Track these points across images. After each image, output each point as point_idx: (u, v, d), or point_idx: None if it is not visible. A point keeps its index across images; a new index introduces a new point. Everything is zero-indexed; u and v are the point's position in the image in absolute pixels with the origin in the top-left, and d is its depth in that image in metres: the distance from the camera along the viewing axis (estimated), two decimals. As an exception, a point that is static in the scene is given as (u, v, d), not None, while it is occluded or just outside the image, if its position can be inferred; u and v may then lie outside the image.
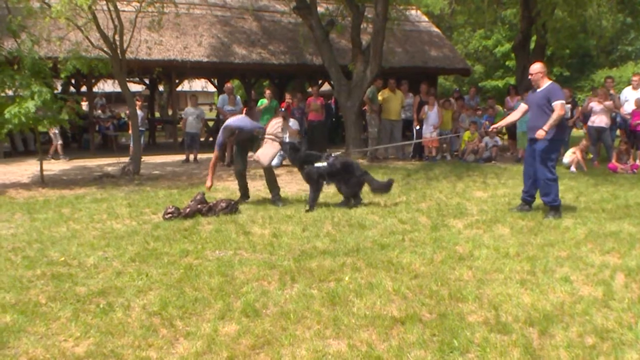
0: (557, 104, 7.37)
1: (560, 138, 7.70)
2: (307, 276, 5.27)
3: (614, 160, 12.46)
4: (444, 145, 15.08)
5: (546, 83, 7.64)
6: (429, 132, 14.27)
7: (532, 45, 20.79)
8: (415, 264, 5.57)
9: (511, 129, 15.41)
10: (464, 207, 8.38)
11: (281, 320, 4.26)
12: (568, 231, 6.88)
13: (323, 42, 15.56)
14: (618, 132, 14.11)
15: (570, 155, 12.49)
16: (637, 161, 12.97)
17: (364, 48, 15.62)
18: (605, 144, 13.46)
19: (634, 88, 13.16)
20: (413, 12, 23.18)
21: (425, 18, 24.02)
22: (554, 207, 7.63)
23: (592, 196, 9.15)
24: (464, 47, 35.43)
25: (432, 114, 14.24)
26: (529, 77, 7.81)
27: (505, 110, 16.25)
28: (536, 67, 7.72)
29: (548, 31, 19.28)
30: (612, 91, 13.91)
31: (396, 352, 3.73)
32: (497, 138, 15.11)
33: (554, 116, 7.34)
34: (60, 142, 15.80)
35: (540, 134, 7.39)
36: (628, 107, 13.09)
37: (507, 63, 34.57)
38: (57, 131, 15.47)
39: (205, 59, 17.32)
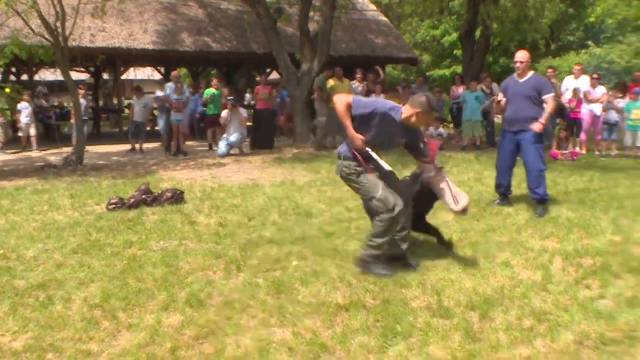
0: (550, 97, 7.20)
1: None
2: (253, 265, 5.27)
3: (554, 148, 12.78)
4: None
5: (530, 73, 7.38)
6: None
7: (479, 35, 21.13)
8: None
9: (456, 117, 15.66)
10: (410, 195, 8.47)
11: (226, 309, 4.25)
12: (509, 217, 7.04)
13: (270, 31, 15.47)
14: (558, 120, 14.47)
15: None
16: (577, 148, 13.36)
17: (312, 36, 15.60)
18: (545, 131, 13.77)
19: (575, 77, 13.54)
20: (361, 0, 23.24)
21: (373, 7, 24.11)
22: (544, 202, 7.37)
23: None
24: (411, 36, 35.67)
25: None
26: (518, 64, 7.33)
27: (450, 99, 16.50)
28: (525, 56, 7.38)
29: (493, 21, 19.60)
30: (553, 80, 14.24)
31: (340, 338, 3.76)
32: (442, 129, 15.32)
33: (548, 109, 7.18)
34: (33, 133, 15.30)
35: (537, 126, 7.14)
36: (568, 96, 13.48)
37: (454, 52, 35.03)
38: (28, 121, 14.99)
39: (151, 47, 17.05)
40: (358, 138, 4.84)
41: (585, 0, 23.64)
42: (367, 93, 14.56)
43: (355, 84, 15.07)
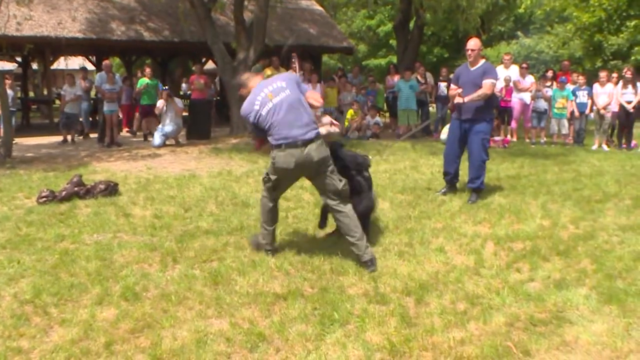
0: (488, 82, 7.15)
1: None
2: (190, 257, 5.22)
3: (487, 136, 13.07)
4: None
5: (481, 62, 7.38)
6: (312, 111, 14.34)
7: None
8: (299, 240, 5.65)
9: (392, 107, 15.85)
10: (347, 184, 8.53)
11: (162, 302, 4.20)
12: (444, 204, 7.20)
13: (205, 20, 15.26)
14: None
15: (446, 131, 12.99)
16: (508, 136, 13.75)
17: (248, 26, 15.47)
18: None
19: (506, 67, 13.88)
20: (296, -10, 23.20)
21: (308, -4, 24.11)
22: (479, 190, 7.47)
23: (466, 170, 9.57)
24: (347, 26, 35.89)
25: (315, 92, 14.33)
26: (469, 52, 7.31)
27: (386, 88, 16.67)
28: (477, 43, 7.38)
29: (426, 11, 19.87)
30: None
31: (278, 327, 3.77)
32: (378, 118, 15.48)
33: (483, 90, 7.11)
34: None
35: (458, 93, 7.23)
36: (499, 85, 13.80)
37: (390, 42, 35.39)
38: None
39: (81, 36, 16.55)
40: None
41: (514, -9, 24.29)
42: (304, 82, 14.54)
43: (291, 73, 15.03)
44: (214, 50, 15.47)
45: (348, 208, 4.99)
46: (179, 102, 13.58)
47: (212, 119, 15.84)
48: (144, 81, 14.48)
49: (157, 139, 13.06)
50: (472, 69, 7.40)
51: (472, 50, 7.32)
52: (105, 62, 14.27)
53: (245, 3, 16.26)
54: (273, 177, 5.05)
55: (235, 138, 14.29)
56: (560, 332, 3.72)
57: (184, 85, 22.40)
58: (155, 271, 4.87)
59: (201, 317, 3.96)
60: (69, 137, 14.39)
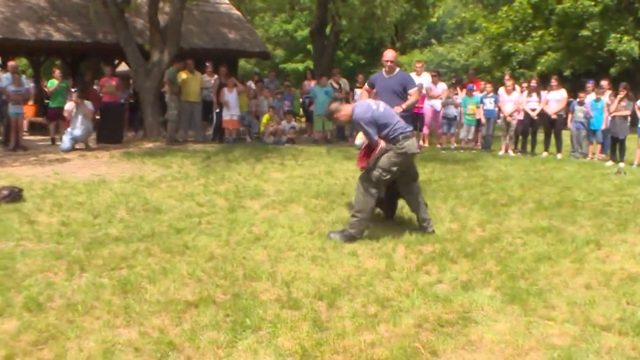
0: (415, 90, 7.43)
1: None
2: (98, 265, 5.06)
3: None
4: (241, 129, 15.10)
5: (397, 70, 7.54)
6: (228, 115, 14.23)
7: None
8: (211, 247, 5.59)
9: (308, 111, 15.94)
10: (262, 189, 8.54)
11: (68, 312, 4.05)
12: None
13: (118, 20, 14.87)
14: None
15: (361, 137, 13.18)
16: (421, 142, 14.09)
17: (162, 28, 15.19)
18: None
19: (418, 74, 14.22)
20: (213, -7, 22.97)
21: (226, 0, 23.90)
22: None
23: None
24: (265, 30, 35.87)
25: (232, 96, 14.20)
26: (389, 63, 7.46)
27: (302, 93, 16.75)
28: (395, 55, 7.60)
29: (342, 18, 20.12)
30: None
31: (189, 335, 3.72)
32: (294, 122, 15.53)
33: (412, 99, 7.36)
34: None
35: (397, 109, 7.12)
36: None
37: (307, 47, 35.64)
38: None
39: (-14, 35, 15.77)
40: None
41: (427, 0, 24.96)
42: (220, 87, 14.41)
43: (207, 77, 14.90)
44: (127, 52, 15.10)
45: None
46: (89, 104, 13.15)
47: (124, 122, 15.43)
48: (54, 82, 13.97)
49: (65, 142, 12.59)
50: (388, 76, 7.59)
51: (392, 62, 7.58)
52: (11, 63, 13.62)
53: (161, 5, 15.96)
54: (395, 168, 5.91)
55: (149, 142, 13.98)
56: (466, 332, 3.85)
57: (95, 87, 21.71)
58: (61, 280, 4.70)
59: (109, 327, 3.85)
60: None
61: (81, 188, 8.43)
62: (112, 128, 14.18)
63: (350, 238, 5.84)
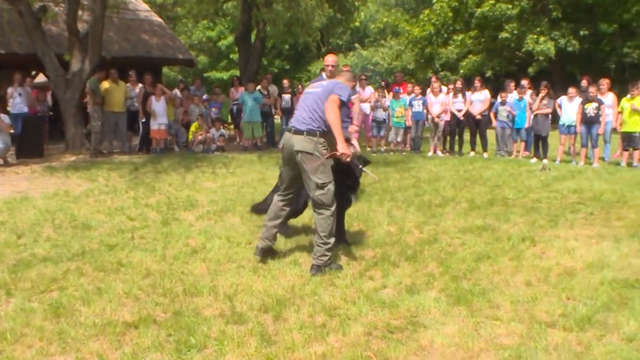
0: (355, 97, 7.45)
1: None
2: (26, 288, 4.75)
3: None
4: (169, 138, 14.74)
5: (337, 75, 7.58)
6: (156, 125, 13.87)
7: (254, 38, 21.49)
8: (147, 262, 5.36)
9: (237, 119, 15.76)
10: (195, 199, 8.32)
11: (-5, 342, 3.78)
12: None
13: (34, 30, 14.23)
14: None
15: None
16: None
17: (82, 36, 14.66)
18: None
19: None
20: (133, 0, 22.39)
21: (145, 7, 23.34)
22: None
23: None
24: (187, 37, 35.35)
25: (159, 105, 13.84)
26: (330, 68, 7.12)
27: (230, 100, 16.54)
28: (335, 59, 7.30)
29: (267, 24, 20.02)
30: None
31: (130, 359, 3.53)
32: (223, 130, 15.31)
33: (355, 109, 7.42)
34: None
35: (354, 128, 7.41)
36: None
37: (231, 55, 35.36)
38: None
39: None
40: None
41: (350, 5, 25.16)
42: (145, 96, 14.03)
43: (131, 86, 14.48)
44: (45, 62, 14.48)
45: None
46: (5, 118, 12.53)
47: (45, 135, 14.79)
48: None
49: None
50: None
51: (333, 66, 7.51)
52: None
53: (80, 13, 15.41)
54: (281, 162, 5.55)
55: (72, 155, 13.46)
56: (416, 337, 3.81)
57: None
58: (-14, 307, 4.39)
59: (43, 355, 3.60)
60: None
61: (1, 206, 7.96)
62: (32, 142, 13.56)
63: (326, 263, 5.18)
